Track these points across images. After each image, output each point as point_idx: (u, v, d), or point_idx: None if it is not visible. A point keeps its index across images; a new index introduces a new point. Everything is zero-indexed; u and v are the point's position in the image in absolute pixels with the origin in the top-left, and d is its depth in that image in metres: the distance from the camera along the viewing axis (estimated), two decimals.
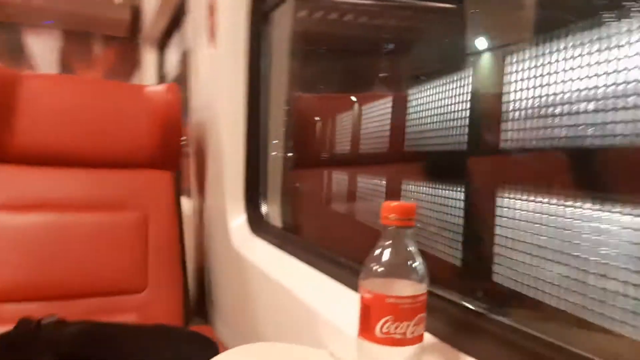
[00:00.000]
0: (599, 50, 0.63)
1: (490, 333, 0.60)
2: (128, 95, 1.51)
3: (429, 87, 1.11)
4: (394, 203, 0.58)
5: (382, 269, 0.59)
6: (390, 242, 0.59)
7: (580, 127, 0.66)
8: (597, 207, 0.63)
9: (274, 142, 1.52)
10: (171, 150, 1.53)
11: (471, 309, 0.66)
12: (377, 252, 0.59)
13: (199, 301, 1.79)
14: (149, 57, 3.20)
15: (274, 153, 1.51)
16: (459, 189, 0.93)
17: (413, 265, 0.59)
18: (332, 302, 0.88)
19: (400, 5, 1.83)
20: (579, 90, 0.66)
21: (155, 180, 1.52)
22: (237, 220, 1.46)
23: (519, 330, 0.58)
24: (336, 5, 1.75)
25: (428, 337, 0.64)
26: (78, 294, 1.35)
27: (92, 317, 1.33)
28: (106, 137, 1.49)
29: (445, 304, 0.69)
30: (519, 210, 0.74)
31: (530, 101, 0.74)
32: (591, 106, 0.64)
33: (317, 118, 1.58)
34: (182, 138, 1.54)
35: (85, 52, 3.59)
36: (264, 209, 1.48)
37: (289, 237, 1.30)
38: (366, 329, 0.58)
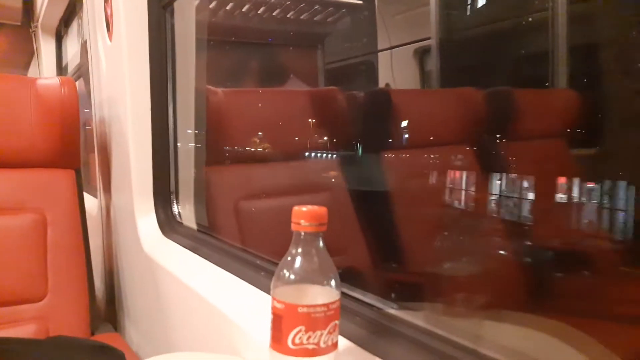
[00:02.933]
0: None
1: (403, 336, 0.60)
2: (18, 89, 1.38)
3: None
4: (304, 208, 0.56)
5: (293, 276, 0.56)
6: (301, 248, 0.56)
7: None
8: None
9: (185, 137, 1.45)
10: (70, 147, 1.42)
11: (385, 311, 0.66)
12: (288, 259, 0.57)
13: (108, 306, 1.69)
14: (46, 47, 2.98)
15: (184, 147, 1.45)
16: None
17: (325, 271, 0.57)
18: (247, 307, 0.85)
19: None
20: None
21: (53, 179, 1.41)
22: (147, 221, 1.38)
23: (430, 332, 0.58)
24: None
25: (343, 342, 0.63)
26: None
27: None
28: None
29: (360, 307, 0.68)
30: None
31: None
32: None
33: (230, 112, 1.53)
34: (80, 134, 1.43)
35: None
36: (175, 208, 1.42)
37: (203, 239, 1.25)
38: (277, 340, 0.55)
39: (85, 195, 1.53)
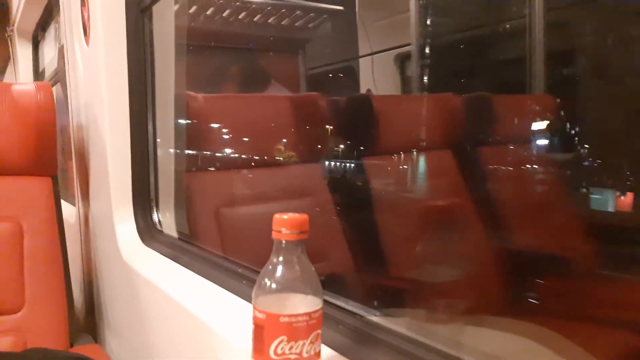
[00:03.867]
0: None
1: (386, 344, 0.60)
2: None
3: None
4: (285, 216, 0.55)
5: (274, 285, 0.56)
6: (283, 256, 0.56)
7: None
8: None
9: (165, 143, 1.44)
10: (46, 153, 1.39)
11: (368, 319, 0.65)
12: (269, 267, 0.56)
13: (87, 317, 1.66)
14: (22, 52, 2.93)
15: (164, 154, 1.43)
16: None
17: (307, 279, 0.56)
18: (229, 316, 0.84)
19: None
20: None
21: (29, 187, 1.38)
22: (126, 230, 1.36)
23: (413, 340, 0.58)
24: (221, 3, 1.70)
25: (326, 351, 0.62)
26: None
27: None
28: None
29: (342, 315, 0.68)
30: None
31: None
32: None
33: (211, 118, 1.51)
34: (57, 140, 1.41)
35: None
36: (155, 216, 1.40)
37: (184, 247, 1.23)
38: (259, 350, 0.55)
39: (63, 203, 1.50)
